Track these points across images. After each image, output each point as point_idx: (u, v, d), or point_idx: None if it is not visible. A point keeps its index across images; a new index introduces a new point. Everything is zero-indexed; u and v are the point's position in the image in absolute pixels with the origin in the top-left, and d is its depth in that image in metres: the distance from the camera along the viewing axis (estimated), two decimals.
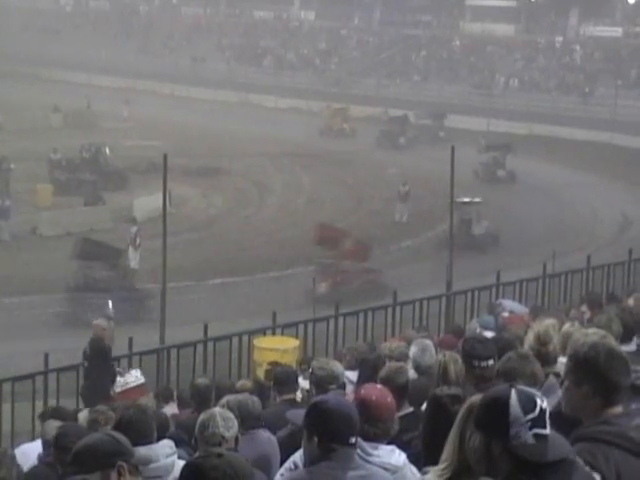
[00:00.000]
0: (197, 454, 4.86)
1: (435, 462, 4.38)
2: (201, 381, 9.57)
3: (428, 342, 9.01)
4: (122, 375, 13.72)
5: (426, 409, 5.45)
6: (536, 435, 3.74)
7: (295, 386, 8.64)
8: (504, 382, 5.51)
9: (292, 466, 5.65)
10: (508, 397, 3.80)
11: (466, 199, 32.08)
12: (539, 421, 3.75)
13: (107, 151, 41.01)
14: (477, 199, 33.36)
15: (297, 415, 5.82)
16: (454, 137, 44.27)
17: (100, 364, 13.71)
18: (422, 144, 48.67)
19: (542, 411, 3.77)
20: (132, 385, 13.18)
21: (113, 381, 13.49)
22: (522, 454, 3.74)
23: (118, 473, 4.67)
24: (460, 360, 6.97)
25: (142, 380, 13.39)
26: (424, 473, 4.55)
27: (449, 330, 13.67)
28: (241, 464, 3.82)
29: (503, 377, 5.98)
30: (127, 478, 4.73)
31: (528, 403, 3.77)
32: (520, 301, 17.24)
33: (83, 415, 8.72)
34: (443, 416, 5.02)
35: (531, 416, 3.75)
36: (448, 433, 4.28)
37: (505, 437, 3.77)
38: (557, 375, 6.25)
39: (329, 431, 4.85)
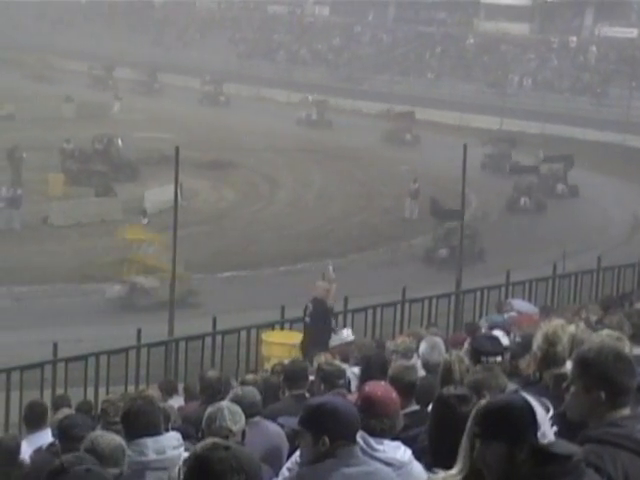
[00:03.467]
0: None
1: (441, 463, 4.37)
2: (212, 374, 9.57)
3: (438, 339, 9.02)
4: (336, 332, 14.98)
5: (432, 409, 5.44)
6: (554, 432, 3.76)
7: (305, 382, 8.64)
8: (472, 394, 5.51)
9: (299, 460, 5.66)
10: (525, 400, 3.81)
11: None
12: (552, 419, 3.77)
13: (119, 142, 41.05)
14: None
15: (289, 421, 5.83)
16: (167, 90, 62.93)
17: (321, 322, 15.24)
18: (139, 95, 61.22)
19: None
20: (345, 341, 14.53)
21: (329, 337, 14.79)
22: (556, 450, 3.74)
23: None
24: (466, 360, 7.00)
25: (352, 337, 14.79)
26: (434, 473, 4.54)
27: (463, 327, 13.70)
28: (247, 457, 3.82)
29: (472, 389, 5.99)
30: None
31: (541, 404, 3.78)
32: (530, 301, 17.21)
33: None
34: (450, 417, 5.01)
35: (551, 413, 3.76)
36: (455, 434, 4.26)
37: (534, 438, 3.76)
38: (565, 377, 6.25)
39: (340, 430, 4.87)
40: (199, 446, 3.93)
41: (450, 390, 5.45)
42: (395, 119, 52.94)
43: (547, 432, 3.76)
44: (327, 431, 4.89)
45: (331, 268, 17.63)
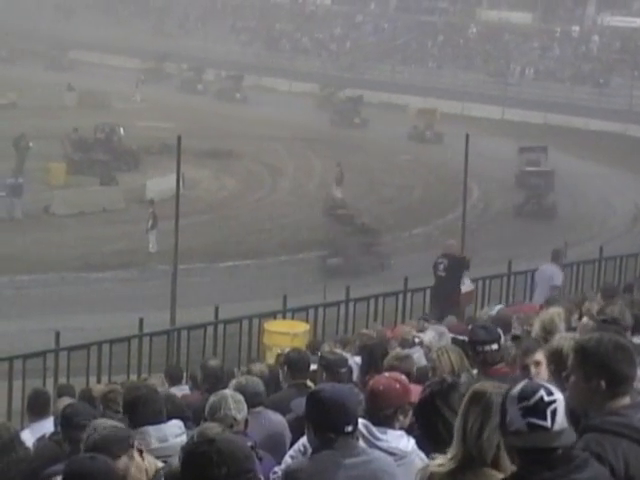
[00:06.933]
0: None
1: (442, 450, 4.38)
2: (213, 363, 9.58)
3: (444, 328, 9.05)
4: (463, 282, 17.03)
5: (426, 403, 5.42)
6: (530, 425, 3.72)
7: (307, 371, 8.64)
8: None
9: (302, 448, 5.67)
10: (515, 388, 3.83)
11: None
12: (534, 411, 3.72)
13: (121, 131, 41.04)
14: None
15: (301, 405, 5.85)
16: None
17: (456, 273, 16.95)
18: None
19: (542, 402, 3.72)
20: (468, 290, 16.90)
21: (460, 286, 16.82)
22: (514, 442, 3.77)
23: (138, 451, 4.79)
24: (455, 351, 7.03)
25: (472, 287, 17.09)
26: (432, 459, 4.57)
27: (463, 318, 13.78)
28: (231, 450, 3.84)
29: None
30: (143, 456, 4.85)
31: (526, 392, 3.76)
32: (530, 291, 17.25)
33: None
34: (437, 406, 5.00)
35: (524, 404, 3.74)
36: (447, 421, 4.29)
37: (504, 425, 3.80)
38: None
39: (323, 421, 4.92)
40: (189, 440, 4.00)
41: (435, 384, 5.44)
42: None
43: (514, 420, 3.80)
44: (310, 420, 4.99)
45: None
